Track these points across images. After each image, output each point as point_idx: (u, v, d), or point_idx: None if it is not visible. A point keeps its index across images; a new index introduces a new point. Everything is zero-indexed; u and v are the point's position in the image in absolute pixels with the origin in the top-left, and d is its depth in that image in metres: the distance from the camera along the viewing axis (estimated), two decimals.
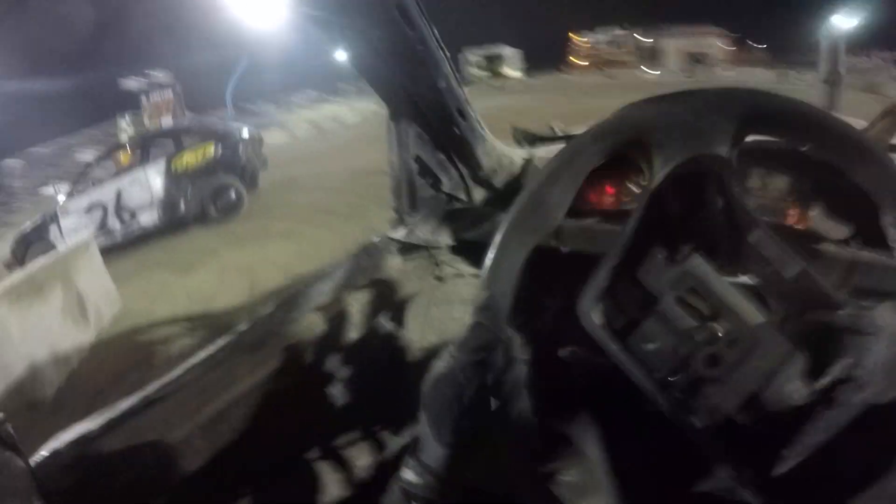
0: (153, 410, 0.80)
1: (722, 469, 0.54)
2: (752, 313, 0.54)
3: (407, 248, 1.16)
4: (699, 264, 0.55)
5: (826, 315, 0.52)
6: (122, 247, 7.27)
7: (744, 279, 0.57)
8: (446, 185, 1.15)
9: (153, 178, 7.59)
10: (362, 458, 1.07)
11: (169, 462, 0.77)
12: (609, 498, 0.69)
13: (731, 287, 0.55)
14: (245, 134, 8.08)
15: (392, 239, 1.17)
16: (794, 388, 0.52)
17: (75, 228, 7.29)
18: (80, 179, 7.82)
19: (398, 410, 1.09)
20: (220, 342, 0.95)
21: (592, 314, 0.57)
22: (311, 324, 1.03)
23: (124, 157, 8.02)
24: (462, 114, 1.04)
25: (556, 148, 0.82)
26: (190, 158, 7.48)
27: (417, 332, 1.15)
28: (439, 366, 0.59)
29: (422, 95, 1.03)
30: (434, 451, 0.57)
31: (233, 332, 0.98)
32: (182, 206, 7.51)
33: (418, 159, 1.12)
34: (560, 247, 0.82)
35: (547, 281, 0.79)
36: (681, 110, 0.58)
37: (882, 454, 0.49)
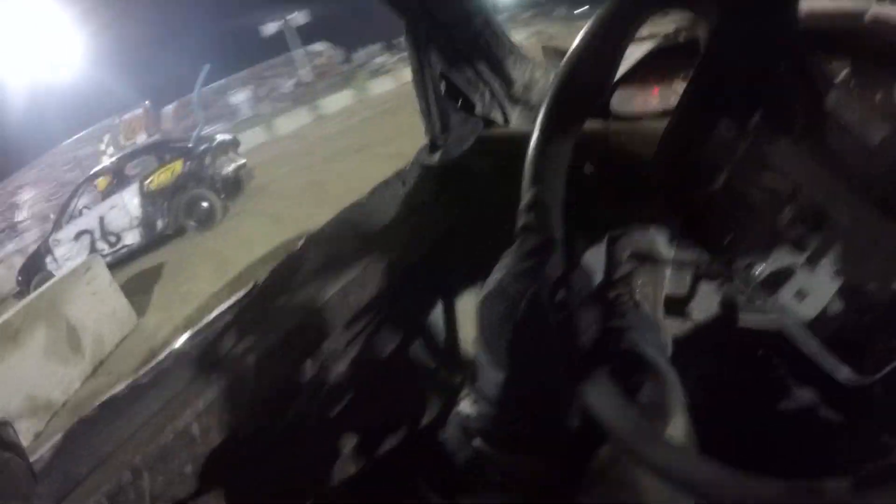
0: (151, 399, 0.75)
1: (835, 369, 0.48)
2: (835, 186, 0.47)
3: (442, 174, 1.07)
4: (768, 133, 0.48)
5: None
6: (116, 265, 7.60)
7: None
8: (478, 106, 1.05)
9: (130, 201, 7.86)
10: (414, 402, 1.01)
11: (171, 453, 0.72)
12: (685, 418, 0.62)
13: (810, 159, 0.48)
14: (213, 143, 8.30)
15: (426, 164, 1.08)
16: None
17: (68, 256, 7.66)
18: (63, 210, 8.12)
19: (446, 348, 1.02)
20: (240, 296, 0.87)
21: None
22: (340, 259, 0.95)
23: (102, 182, 8.29)
24: (488, 23, 0.97)
25: None
26: (161, 178, 7.72)
27: (458, 264, 1.07)
28: (489, 282, 0.52)
29: (440, 3, 0.95)
30: (490, 377, 0.51)
31: (252, 287, 0.89)
32: (159, 223, 7.79)
33: (444, 78, 1.03)
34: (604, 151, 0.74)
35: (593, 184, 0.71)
36: None
37: None
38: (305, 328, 0.86)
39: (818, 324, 0.47)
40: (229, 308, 0.85)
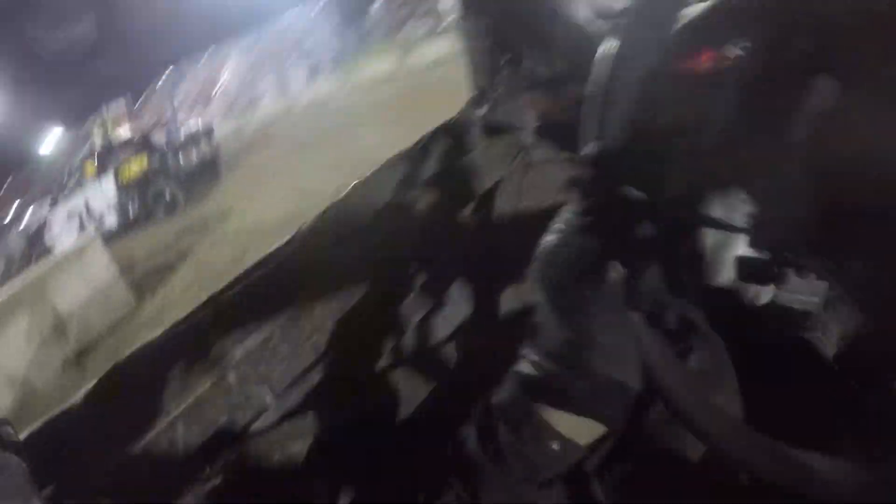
0: (188, 347, 0.74)
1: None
2: None
3: (489, 128, 1.06)
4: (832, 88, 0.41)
5: None
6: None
7: None
8: (528, 57, 1.03)
9: (107, 188, 9.04)
10: (464, 360, 0.99)
11: (206, 403, 0.71)
12: (734, 387, 0.59)
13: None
14: (181, 136, 9.45)
15: (472, 118, 1.07)
16: None
17: (61, 234, 8.96)
18: (57, 191, 9.42)
19: (493, 309, 1.03)
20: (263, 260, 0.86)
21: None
22: (382, 216, 0.95)
23: (90, 167, 9.49)
24: None
25: None
26: (131, 169, 8.89)
27: (506, 223, 1.06)
28: (549, 237, 0.50)
29: None
30: (552, 335, 0.49)
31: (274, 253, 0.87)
32: (130, 211, 9.02)
33: (493, 28, 1.02)
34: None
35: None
36: None
37: None
38: (338, 283, 0.85)
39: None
40: (266, 258, 0.85)
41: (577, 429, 0.50)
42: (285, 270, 0.84)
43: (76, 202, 9.20)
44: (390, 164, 1.01)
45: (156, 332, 0.76)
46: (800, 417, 0.52)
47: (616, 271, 0.48)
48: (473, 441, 0.52)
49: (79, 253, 5.22)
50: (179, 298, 5.33)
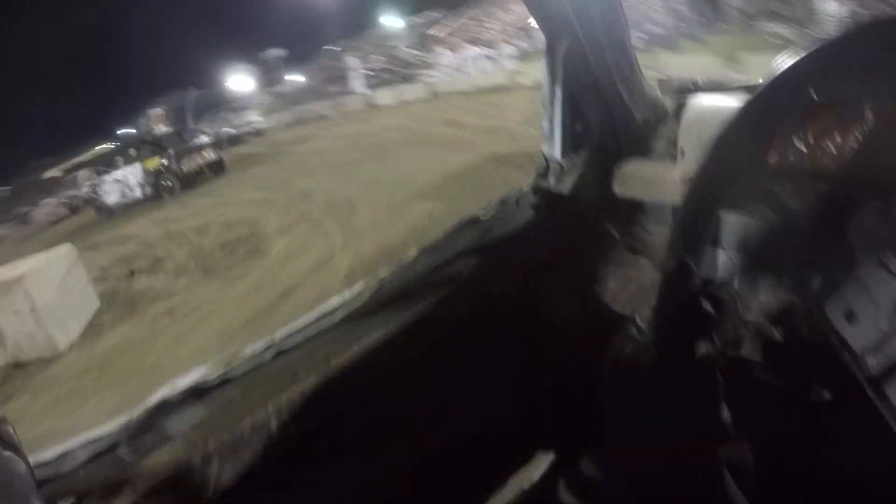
0: (235, 387, 0.76)
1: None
2: None
3: (555, 199, 1.07)
4: None
5: None
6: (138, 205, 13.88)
7: None
8: (597, 132, 1.05)
9: (137, 172, 14.30)
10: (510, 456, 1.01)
11: (245, 444, 0.73)
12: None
13: None
14: (196, 143, 14.62)
15: (540, 187, 1.09)
16: None
17: (110, 193, 14.31)
18: (110, 164, 14.82)
19: (549, 388, 1.02)
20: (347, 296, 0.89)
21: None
22: (451, 274, 0.97)
23: (132, 154, 14.88)
24: (625, 53, 0.99)
25: (711, 98, 0.83)
26: (151, 163, 14.11)
27: (562, 292, 1.06)
28: (621, 340, 0.53)
29: (587, 21, 0.96)
30: (616, 447, 0.50)
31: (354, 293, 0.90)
32: (148, 190, 14.28)
33: (572, 100, 1.03)
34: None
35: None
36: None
37: None
38: (403, 337, 0.87)
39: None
40: (333, 309, 0.87)
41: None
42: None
43: (117, 175, 14.58)
44: (458, 228, 1.02)
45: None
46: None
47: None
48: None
49: (49, 261, 5.51)
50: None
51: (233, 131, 20.66)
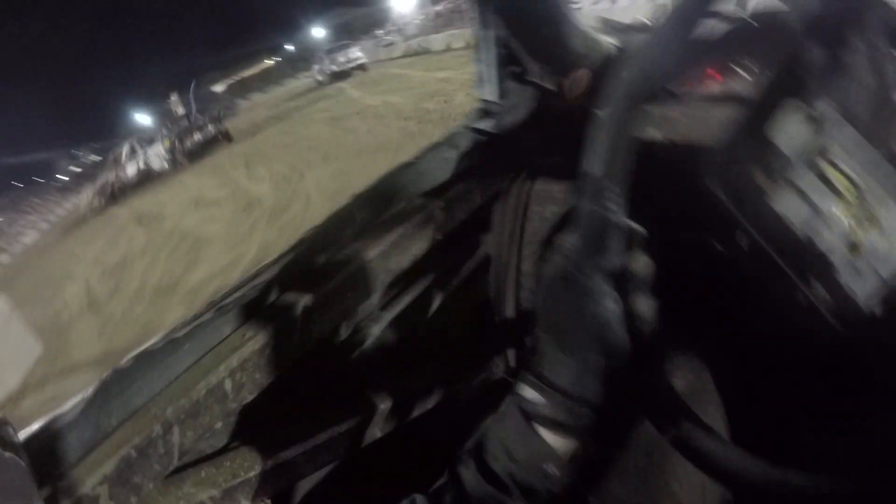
0: (185, 353, 0.76)
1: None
2: None
3: (493, 141, 1.06)
4: (838, 124, 0.47)
5: None
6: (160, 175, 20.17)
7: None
8: (533, 74, 1.02)
9: (159, 149, 20.60)
10: (450, 368, 1.00)
11: (203, 408, 0.72)
12: (721, 412, 0.62)
13: (878, 158, 0.46)
14: (197, 123, 20.57)
15: (478, 129, 1.08)
16: None
17: (149, 157, 20.22)
18: (146, 139, 21.21)
19: (492, 326, 1.04)
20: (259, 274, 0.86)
21: (714, 178, 0.52)
22: (384, 220, 0.96)
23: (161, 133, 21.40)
24: None
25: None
26: (166, 143, 20.32)
27: (508, 234, 1.06)
28: (550, 266, 0.51)
29: None
30: (558, 365, 0.50)
31: (273, 262, 0.87)
32: (166, 162, 20.55)
33: (504, 43, 1.02)
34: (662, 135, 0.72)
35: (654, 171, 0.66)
36: None
37: None
38: (344, 289, 0.87)
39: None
40: (271, 263, 0.86)
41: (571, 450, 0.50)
42: (287, 272, 0.85)
43: (152, 146, 20.95)
44: (392, 174, 1.01)
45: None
46: (787, 430, 0.55)
47: (618, 301, 0.49)
48: (471, 465, 0.50)
49: None
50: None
51: (334, 68, 24.29)
